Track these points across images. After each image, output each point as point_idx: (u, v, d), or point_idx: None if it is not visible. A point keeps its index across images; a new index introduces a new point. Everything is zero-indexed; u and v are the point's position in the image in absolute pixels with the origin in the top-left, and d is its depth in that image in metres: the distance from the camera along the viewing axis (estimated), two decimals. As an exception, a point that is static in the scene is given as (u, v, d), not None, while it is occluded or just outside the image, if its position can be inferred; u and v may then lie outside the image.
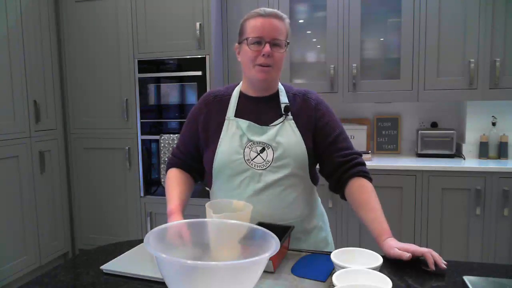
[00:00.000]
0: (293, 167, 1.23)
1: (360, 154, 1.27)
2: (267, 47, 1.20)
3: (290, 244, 1.22)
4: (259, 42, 1.21)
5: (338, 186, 1.26)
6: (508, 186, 2.42)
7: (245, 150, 1.23)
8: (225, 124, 1.27)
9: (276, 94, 1.30)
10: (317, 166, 1.34)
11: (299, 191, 1.26)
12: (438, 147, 2.83)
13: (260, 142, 1.23)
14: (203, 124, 1.30)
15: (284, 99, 1.29)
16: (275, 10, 1.24)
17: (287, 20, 1.27)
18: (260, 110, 1.28)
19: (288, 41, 1.26)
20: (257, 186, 1.22)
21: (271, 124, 1.25)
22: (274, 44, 1.21)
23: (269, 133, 1.23)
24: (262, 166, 1.22)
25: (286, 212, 1.23)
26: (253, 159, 1.22)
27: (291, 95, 1.31)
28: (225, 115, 1.29)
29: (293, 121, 1.26)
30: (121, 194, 3.04)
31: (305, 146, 1.24)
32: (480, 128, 2.81)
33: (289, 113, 1.26)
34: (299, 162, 1.24)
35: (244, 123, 1.25)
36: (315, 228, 1.33)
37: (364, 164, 1.25)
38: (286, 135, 1.24)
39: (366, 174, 1.23)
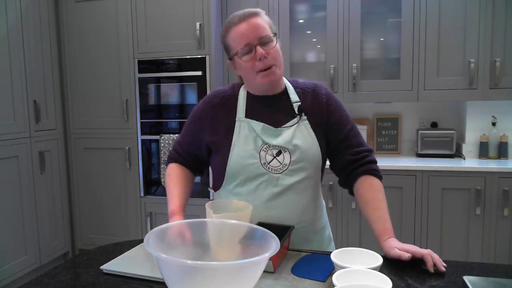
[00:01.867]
0: (309, 170, 1.21)
1: (371, 151, 1.25)
2: (259, 50, 1.14)
3: (300, 245, 1.22)
4: (249, 50, 1.15)
5: (347, 182, 1.25)
6: (508, 186, 2.42)
7: (260, 154, 1.19)
8: (236, 126, 1.22)
9: (285, 92, 1.26)
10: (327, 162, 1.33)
11: (312, 194, 1.24)
12: (438, 147, 2.83)
13: (276, 146, 1.19)
14: (210, 127, 1.25)
15: (294, 97, 1.25)
16: (248, 10, 1.17)
17: (263, 12, 1.20)
18: (271, 109, 1.23)
19: (274, 32, 1.19)
20: (274, 190, 1.19)
21: (285, 125, 1.21)
22: (264, 42, 1.15)
23: (285, 135, 1.20)
24: (279, 170, 1.19)
25: (301, 216, 1.22)
26: (270, 162, 1.19)
27: (299, 90, 1.26)
28: (234, 116, 1.23)
29: (307, 121, 1.22)
30: (121, 194, 3.04)
31: (319, 148, 1.22)
32: (480, 128, 2.81)
33: (303, 113, 1.22)
34: (315, 164, 1.22)
35: (258, 125, 1.20)
36: (323, 228, 1.32)
37: (375, 162, 1.24)
38: (302, 137, 1.20)
39: (376, 172, 1.22)
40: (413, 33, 2.69)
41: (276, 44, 1.18)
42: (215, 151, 1.26)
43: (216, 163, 1.27)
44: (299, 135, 1.20)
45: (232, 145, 1.21)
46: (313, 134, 1.22)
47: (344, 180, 1.26)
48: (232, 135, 1.21)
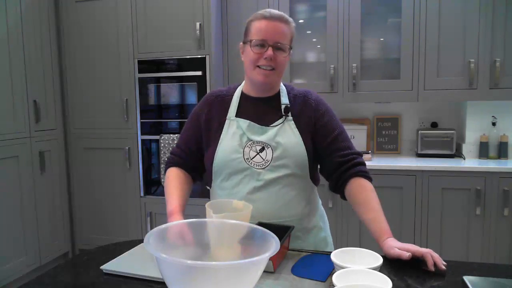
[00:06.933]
0: (292, 167, 1.23)
1: (360, 154, 1.27)
2: (269, 51, 1.20)
3: (289, 243, 1.22)
4: (262, 45, 1.21)
5: (337, 186, 1.27)
6: (508, 186, 2.42)
7: (244, 149, 1.24)
8: (226, 123, 1.28)
9: (278, 95, 1.31)
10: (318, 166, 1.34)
11: (298, 190, 1.26)
12: (438, 147, 2.83)
13: (259, 142, 1.24)
14: (205, 123, 1.31)
15: (285, 99, 1.30)
16: (282, 13, 1.24)
17: (293, 24, 1.27)
18: (261, 110, 1.28)
19: (291, 46, 1.26)
20: (257, 184, 1.23)
21: (272, 125, 1.26)
22: (277, 48, 1.22)
23: (269, 133, 1.24)
24: (261, 165, 1.23)
25: (284, 210, 1.24)
26: (253, 158, 1.23)
27: (292, 96, 1.32)
28: (226, 115, 1.29)
29: (293, 122, 1.27)
30: (121, 194, 3.04)
31: (304, 147, 1.24)
32: (480, 128, 2.81)
33: (289, 114, 1.27)
34: (299, 163, 1.24)
35: (244, 122, 1.26)
36: (314, 228, 1.33)
37: (363, 164, 1.25)
38: (286, 135, 1.24)
39: (365, 174, 1.23)
40: (413, 33, 2.69)
41: (286, 55, 1.25)
42: (206, 146, 1.31)
43: (207, 159, 1.31)
44: (283, 133, 1.25)
45: (220, 141, 1.27)
46: (298, 133, 1.25)
47: (335, 185, 1.28)
48: (222, 131, 1.27)
